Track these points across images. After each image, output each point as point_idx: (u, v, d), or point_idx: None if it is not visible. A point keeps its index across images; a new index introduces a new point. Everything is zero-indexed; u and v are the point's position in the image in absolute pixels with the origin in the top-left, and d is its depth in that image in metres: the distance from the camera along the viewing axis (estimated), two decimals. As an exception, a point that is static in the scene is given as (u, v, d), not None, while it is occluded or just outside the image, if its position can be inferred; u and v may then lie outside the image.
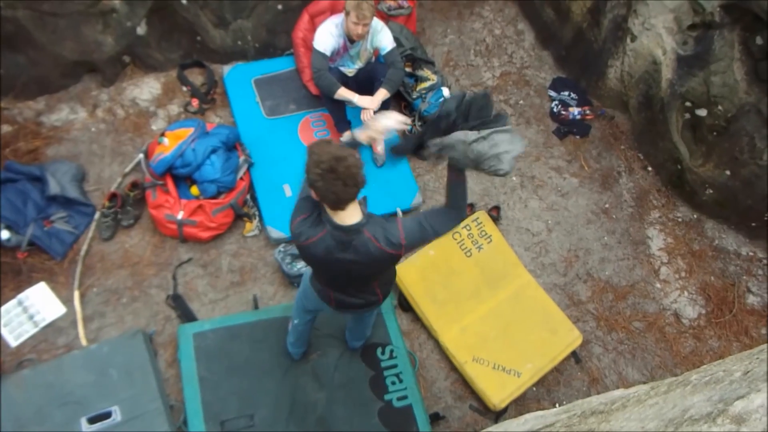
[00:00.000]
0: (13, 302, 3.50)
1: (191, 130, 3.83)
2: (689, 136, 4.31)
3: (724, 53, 3.87)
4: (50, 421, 3.10)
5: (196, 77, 4.51)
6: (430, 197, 4.26)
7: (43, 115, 4.15)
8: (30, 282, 3.57)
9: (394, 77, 3.90)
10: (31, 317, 3.47)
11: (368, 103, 3.80)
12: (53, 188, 3.67)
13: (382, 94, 3.84)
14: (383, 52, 3.91)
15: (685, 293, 4.17)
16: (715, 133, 4.08)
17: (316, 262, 2.39)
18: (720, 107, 3.96)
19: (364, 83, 4.02)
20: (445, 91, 4.38)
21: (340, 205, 2.16)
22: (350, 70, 4.12)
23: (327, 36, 3.77)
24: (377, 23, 3.86)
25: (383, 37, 3.88)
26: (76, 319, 3.50)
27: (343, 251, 2.25)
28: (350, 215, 2.21)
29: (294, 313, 3.10)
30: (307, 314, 3.04)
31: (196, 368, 3.33)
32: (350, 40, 3.85)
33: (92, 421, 3.13)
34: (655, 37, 4.24)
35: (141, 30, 4.18)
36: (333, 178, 2.05)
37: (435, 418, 3.47)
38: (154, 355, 3.43)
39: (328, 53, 3.78)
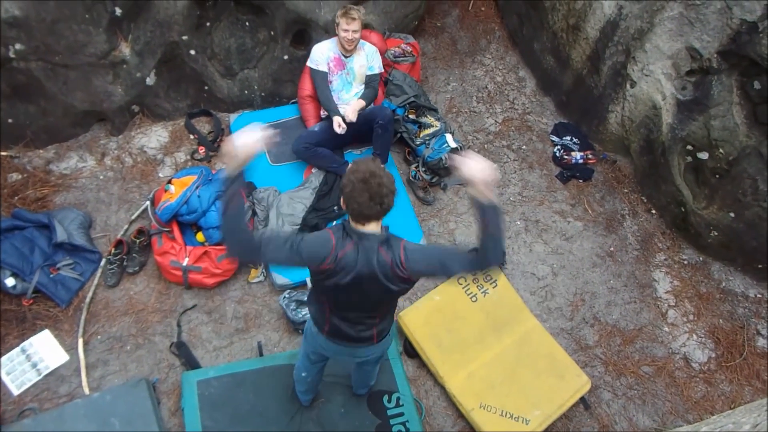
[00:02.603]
0: (16, 350, 3.48)
1: (195, 177, 3.88)
2: (692, 179, 4.34)
3: (723, 98, 3.93)
4: (51, 473, 3.05)
5: (204, 125, 4.59)
6: (435, 242, 4.27)
7: (52, 163, 4.21)
8: (34, 329, 3.56)
9: (370, 94, 4.30)
10: (34, 365, 3.45)
11: (349, 110, 4.09)
12: (60, 235, 3.70)
13: (359, 104, 4.18)
14: (369, 72, 4.30)
15: (694, 336, 4.12)
16: (717, 176, 4.11)
17: (335, 280, 2.31)
18: (721, 150, 3.99)
19: (363, 126, 4.16)
20: (448, 138, 4.44)
21: (361, 219, 2.22)
22: (349, 94, 4.29)
23: (318, 51, 4.17)
24: (371, 47, 4.32)
25: (375, 61, 4.31)
26: (79, 367, 3.47)
27: (364, 264, 2.25)
28: (370, 228, 2.26)
29: (301, 365, 3.05)
30: (314, 365, 2.99)
31: (199, 417, 3.28)
32: (344, 55, 4.15)
33: (93, 472, 3.07)
34: (655, 82, 4.32)
35: (150, 80, 4.28)
36: (361, 189, 2.13)
37: (442, 468, 3.40)
38: (157, 404, 3.38)
39: (322, 68, 4.15)
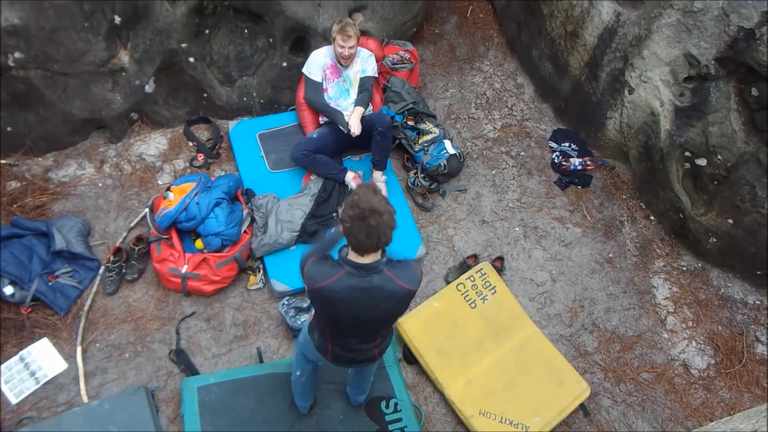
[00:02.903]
0: (15, 359, 3.47)
1: (194, 184, 3.88)
2: (690, 185, 4.34)
3: (720, 104, 3.94)
4: (49, 481, 3.04)
5: (202, 133, 4.60)
6: (434, 248, 4.27)
7: (51, 171, 4.21)
8: (33, 338, 3.56)
9: (365, 98, 4.29)
10: (32, 374, 3.44)
11: (354, 125, 4.11)
12: (59, 243, 3.69)
13: (359, 112, 4.18)
14: (363, 74, 4.31)
15: (693, 343, 4.12)
16: (715, 183, 4.11)
17: (329, 306, 2.38)
18: (719, 157, 4.00)
19: (362, 133, 4.17)
20: (447, 144, 4.45)
21: (359, 251, 2.24)
22: (347, 101, 4.30)
23: (314, 60, 4.20)
24: (366, 52, 4.31)
25: (369, 65, 4.30)
26: (77, 376, 3.47)
27: (362, 291, 2.29)
28: (369, 257, 2.28)
29: (295, 364, 3.09)
30: (308, 364, 3.02)
31: (199, 423, 3.28)
32: (340, 64, 4.18)
33: (91, 480, 3.06)
34: (653, 89, 4.33)
35: (149, 88, 4.28)
36: (359, 227, 2.15)
37: (442, 475, 3.39)
38: (156, 411, 3.37)
39: (316, 77, 4.21)
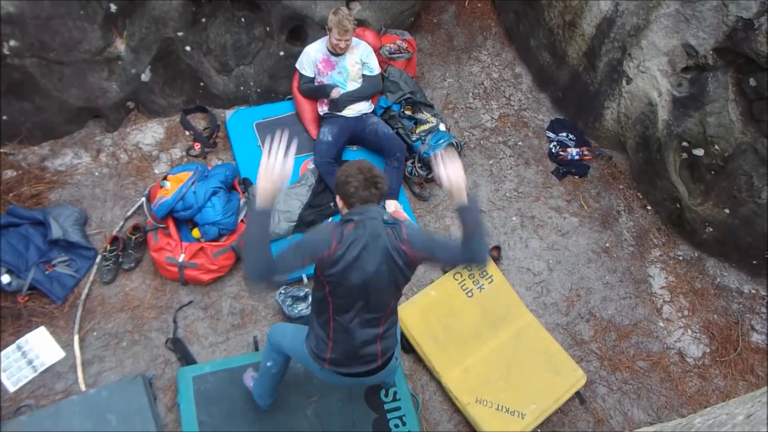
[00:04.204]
0: (12, 347, 3.47)
1: (191, 173, 3.87)
2: (687, 175, 4.35)
3: (718, 94, 3.94)
4: (47, 469, 3.05)
5: (199, 122, 4.59)
6: (431, 238, 4.27)
7: (47, 160, 4.20)
8: (30, 326, 3.56)
9: (368, 91, 4.42)
10: (30, 362, 3.44)
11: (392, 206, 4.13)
12: (55, 232, 3.69)
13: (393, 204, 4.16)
14: (369, 73, 4.39)
15: (689, 332, 4.14)
16: (712, 173, 4.12)
17: (344, 263, 2.35)
18: (717, 147, 4.01)
19: (369, 135, 4.27)
20: (442, 126, 4.53)
21: (360, 203, 2.40)
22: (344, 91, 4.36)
23: (305, 55, 4.29)
24: (366, 47, 4.36)
25: (371, 60, 4.37)
26: (75, 364, 3.47)
27: (372, 233, 2.34)
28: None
29: (266, 355, 2.97)
30: (281, 355, 2.92)
31: (195, 412, 3.29)
32: (335, 54, 4.19)
33: (90, 468, 3.07)
34: (650, 79, 4.33)
35: (145, 77, 4.27)
36: (356, 173, 2.38)
37: (439, 463, 3.41)
38: (154, 399, 3.38)
39: (309, 72, 4.31)
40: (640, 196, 4.72)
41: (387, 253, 2.36)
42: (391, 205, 4.13)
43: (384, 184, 2.43)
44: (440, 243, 2.49)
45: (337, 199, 2.49)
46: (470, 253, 2.35)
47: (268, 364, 2.99)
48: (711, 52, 3.90)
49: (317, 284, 2.50)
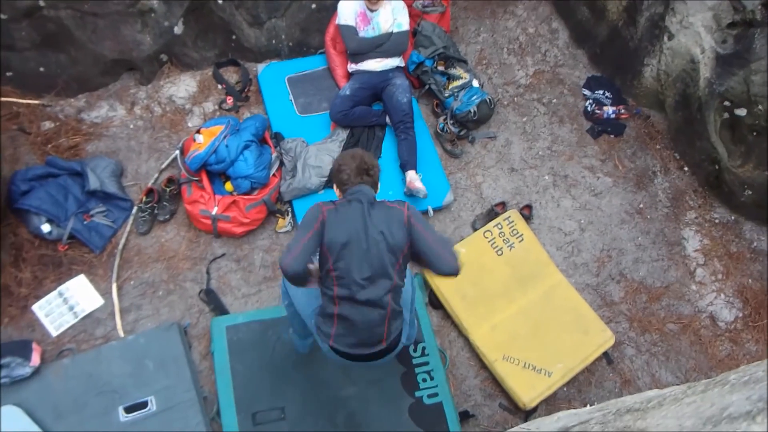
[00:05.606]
0: (54, 293, 3.60)
1: (223, 127, 3.89)
2: (728, 136, 4.23)
3: (765, 52, 3.78)
4: (88, 410, 3.19)
5: (231, 75, 4.58)
6: (462, 195, 4.26)
7: (83, 112, 4.26)
8: (70, 274, 3.67)
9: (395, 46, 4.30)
10: (71, 308, 3.57)
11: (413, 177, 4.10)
12: (93, 183, 3.76)
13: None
14: (398, 29, 4.25)
15: (722, 296, 4.09)
16: (755, 133, 4.00)
17: (345, 225, 2.54)
18: (760, 107, 3.87)
19: (387, 104, 4.29)
20: (475, 82, 4.46)
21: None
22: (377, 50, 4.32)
23: (345, 7, 4.20)
24: (400, 2, 4.28)
25: (402, 16, 4.26)
26: (113, 311, 3.59)
27: (357, 203, 2.56)
28: None
29: (283, 296, 3.07)
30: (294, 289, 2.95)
31: (228, 361, 3.39)
32: (370, 9, 4.14)
33: (129, 410, 3.20)
34: (693, 35, 4.17)
35: (178, 29, 4.26)
36: (349, 160, 2.62)
37: (464, 416, 3.47)
38: (189, 347, 3.49)
39: (350, 22, 4.20)
40: (677, 157, 4.62)
41: (367, 213, 2.54)
42: (409, 176, 4.07)
43: (376, 172, 2.65)
44: (440, 239, 2.69)
45: (334, 187, 2.74)
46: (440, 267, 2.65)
47: (286, 303, 3.08)
48: (759, 7, 3.74)
49: (321, 260, 2.60)
